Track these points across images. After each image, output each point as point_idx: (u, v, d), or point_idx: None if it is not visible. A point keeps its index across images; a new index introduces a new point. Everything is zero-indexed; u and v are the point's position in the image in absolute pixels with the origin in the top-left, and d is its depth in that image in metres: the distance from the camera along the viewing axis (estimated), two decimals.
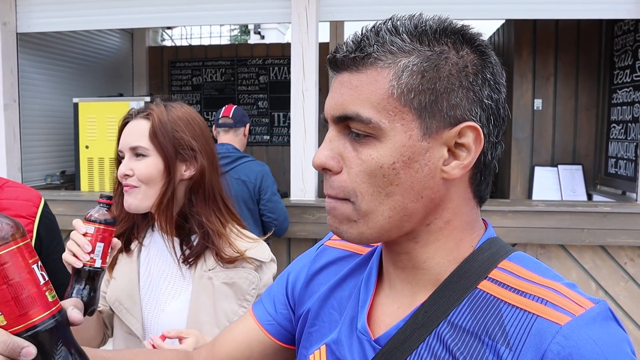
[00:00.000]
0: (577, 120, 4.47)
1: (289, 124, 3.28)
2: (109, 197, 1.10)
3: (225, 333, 0.92)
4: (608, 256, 2.93)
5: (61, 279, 1.56)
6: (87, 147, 3.82)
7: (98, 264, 1.08)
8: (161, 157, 1.25)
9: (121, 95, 4.74)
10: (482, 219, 0.72)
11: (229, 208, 1.34)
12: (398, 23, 0.63)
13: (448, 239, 0.67)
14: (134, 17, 3.59)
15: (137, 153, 1.25)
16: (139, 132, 1.26)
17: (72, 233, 1.10)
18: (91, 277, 1.09)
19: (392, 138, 0.62)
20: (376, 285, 0.74)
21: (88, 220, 1.08)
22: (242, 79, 5.98)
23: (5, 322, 0.61)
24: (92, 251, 1.07)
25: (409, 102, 0.61)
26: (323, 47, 3.34)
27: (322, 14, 3.25)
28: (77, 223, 1.10)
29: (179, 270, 1.30)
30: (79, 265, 1.06)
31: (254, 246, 1.30)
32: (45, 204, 1.52)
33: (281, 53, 5.85)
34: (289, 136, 3.23)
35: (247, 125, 2.95)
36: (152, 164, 1.25)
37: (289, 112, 3.19)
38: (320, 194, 3.23)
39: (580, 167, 4.42)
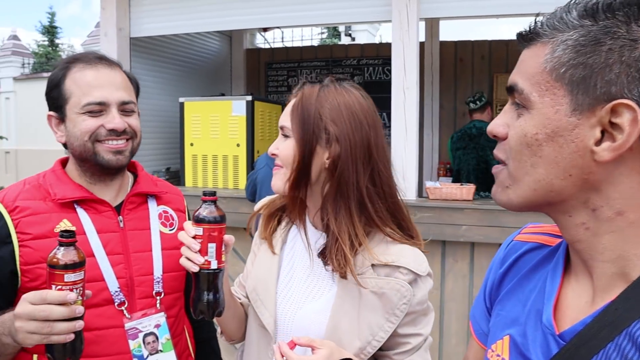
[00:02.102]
0: None
1: (384, 123, 3.24)
2: (212, 194, 1.05)
3: None
4: None
5: None
6: (191, 144, 3.99)
7: (214, 265, 1.04)
8: (295, 139, 1.15)
9: (223, 94, 4.91)
10: None
11: (377, 210, 1.13)
12: (578, 1, 0.62)
13: (627, 233, 0.61)
14: (233, 20, 3.72)
15: (284, 133, 1.19)
16: (287, 111, 1.19)
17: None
18: (211, 280, 1.05)
19: (539, 110, 0.63)
20: (562, 278, 0.71)
21: (196, 221, 1.04)
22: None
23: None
24: (206, 253, 1.03)
25: (560, 76, 0.61)
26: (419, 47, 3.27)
27: (423, 11, 3.18)
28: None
29: (325, 269, 1.17)
30: (195, 269, 1.03)
31: (410, 253, 1.14)
32: None
33: (375, 53, 5.82)
34: (387, 136, 3.19)
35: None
36: (290, 146, 1.15)
37: (384, 111, 3.14)
38: (421, 193, 3.16)
39: None
